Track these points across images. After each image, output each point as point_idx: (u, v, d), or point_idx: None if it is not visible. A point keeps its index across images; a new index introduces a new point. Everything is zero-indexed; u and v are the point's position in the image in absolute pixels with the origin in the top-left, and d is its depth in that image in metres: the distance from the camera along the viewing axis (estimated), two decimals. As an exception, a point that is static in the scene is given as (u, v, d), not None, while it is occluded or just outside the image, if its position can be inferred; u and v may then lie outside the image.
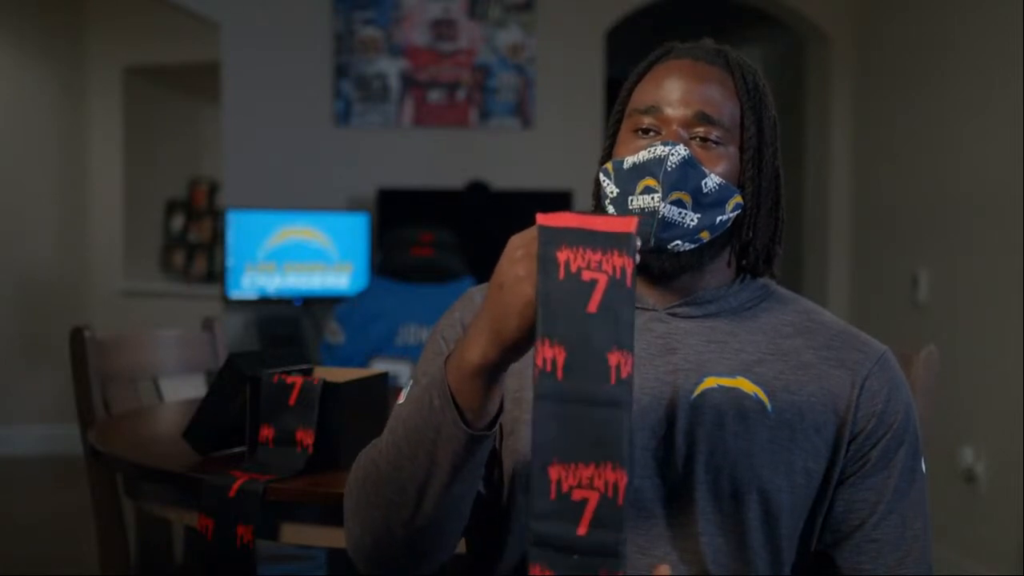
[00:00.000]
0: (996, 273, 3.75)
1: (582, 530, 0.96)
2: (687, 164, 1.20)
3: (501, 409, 1.11)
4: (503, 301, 1.03)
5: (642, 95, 1.26)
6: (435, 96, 4.68)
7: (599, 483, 0.96)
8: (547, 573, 0.96)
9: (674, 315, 1.25)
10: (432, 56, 4.67)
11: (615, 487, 0.96)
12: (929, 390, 1.70)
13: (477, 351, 1.06)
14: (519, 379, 1.25)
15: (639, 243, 1.03)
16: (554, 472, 0.96)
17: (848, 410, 1.23)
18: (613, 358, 0.99)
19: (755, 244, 1.27)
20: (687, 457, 1.19)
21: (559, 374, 0.98)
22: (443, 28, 4.68)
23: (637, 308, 1.25)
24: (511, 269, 1.03)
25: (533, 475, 0.97)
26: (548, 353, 0.98)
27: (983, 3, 3.91)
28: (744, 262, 1.28)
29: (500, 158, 4.72)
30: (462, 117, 4.70)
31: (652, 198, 1.19)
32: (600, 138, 4.70)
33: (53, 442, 5.88)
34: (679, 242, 1.21)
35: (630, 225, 1.00)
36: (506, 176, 4.68)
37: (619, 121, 1.28)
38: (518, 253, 1.03)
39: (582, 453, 0.97)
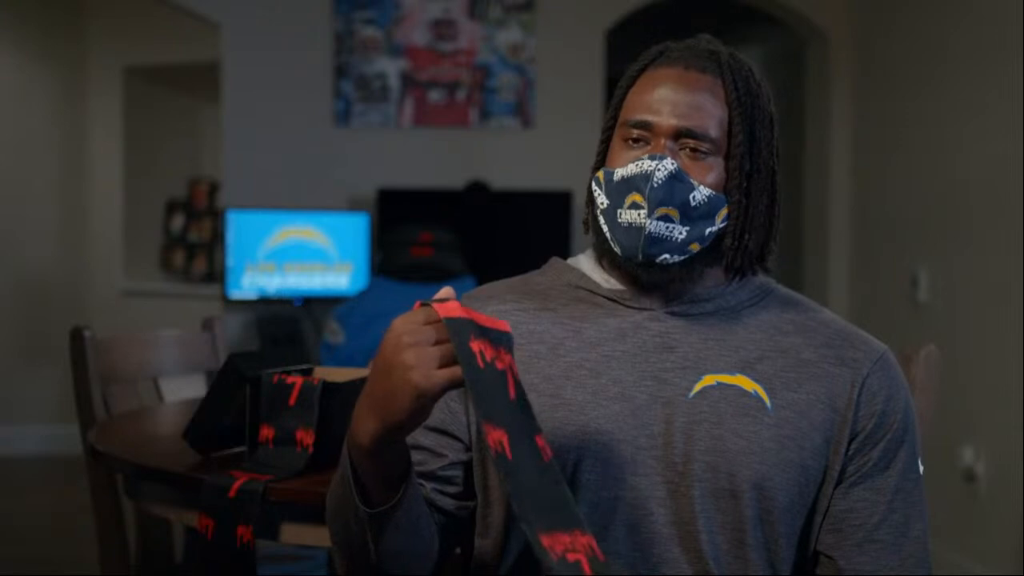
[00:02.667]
0: (996, 273, 3.75)
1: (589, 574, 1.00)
2: (674, 178, 1.20)
3: (407, 475, 1.13)
4: (390, 387, 1.04)
5: (633, 104, 1.25)
6: (435, 96, 4.68)
7: (579, 546, 1.01)
8: None
9: (672, 314, 1.25)
10: (432, 56, 4.67)
11: (591, 548, 1.02)
12: (929, 390, 1.70)
13: (367, 433, 1.07)
14: None
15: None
16: (545, 540, 1.00)
17: (848, 409, 1.23)
18: (539, 441, 1.04)
19: (748, 245, 1.26)
20: (686, 455, 1.19)
21: (508, 454, 1.01)
22: (443, 28, 4.68)
23: (635, 308, 1.26)
24: (397, 356, 1.03)
25: (531, 543, 0.99)
26: (494, 435, 1.01)
27: (983, 3, 3.91)
28: (737, 263, 1.27)
29: (500, 158, 4.72)
30: (462, 117, 4.70)
31: (639, 214, 1.20)
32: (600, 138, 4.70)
33: (53, 442, 5.88)
34: (667, 256, 1.21)
35: (506, 326, 1.05)
36: (506, 176, 4.68)
37: (611, 127, 1.28)
38: (404, 339, 1.03)
39: (554, 522, 1.01)
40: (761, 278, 1.31)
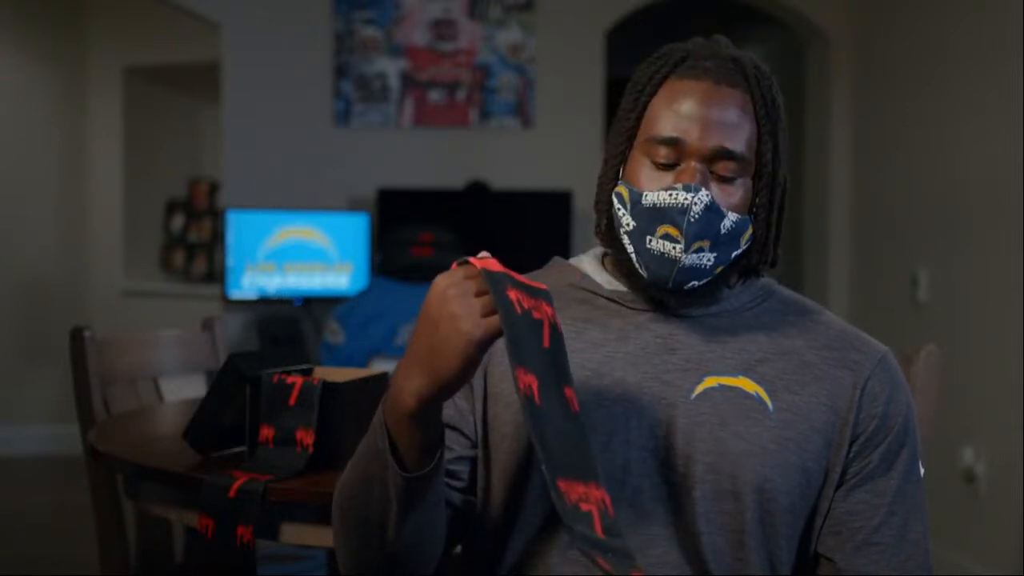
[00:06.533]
0: (996, 272, 3.75)
1: (600, 535, 1.03)
2: (709, 211, 1.18)
3: (442, 441, 1.13)
4: (439, 339, 1.04)
5: (659, 117, 1.22)
6: (435, 96, 4.68)
7: (593, 499, 1.04)
8: (599, 560, 1.00)
9: (674, 315, 1.25)
10: (432, 56, 4.67)
11: (604, 503, 1.05)
12: (929, 390, 1.70)
13: (411, 392, 1.07)
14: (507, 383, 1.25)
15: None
16: (562, 484, 1.02)
17: (849, 411, 1.23)
18: (568, 392, 1.07)
19: (762, 255, 1.26)
20: (687, 456, 1.19)
21: (536, 398, 1.03)
22: (443, 28, 4.68)
23: (636, 309, 1.26)
24: (445, 308, 1.04)
25: (549, 484, 1.01)
26: (525, 379, 1.02)
27: (983, 3, 3.91)
28: (753, 270, 1.28)
29: (500, 158, 4.72)
30: (462, 117, 4.70)
31: (674, 248, 1.18)
32: (600, 138, 4.70)
33: (53, 442, 5.88)
34: (696, 282, 1.22)
35: (542, 284, 1.08)
36: (506, 176, 4.68)
37: (631, 136, 1.25)
38: (451, 291, 1.04)
39: (572, 470, 1.04)
40: (764, 279, 1.31)
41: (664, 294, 1.23)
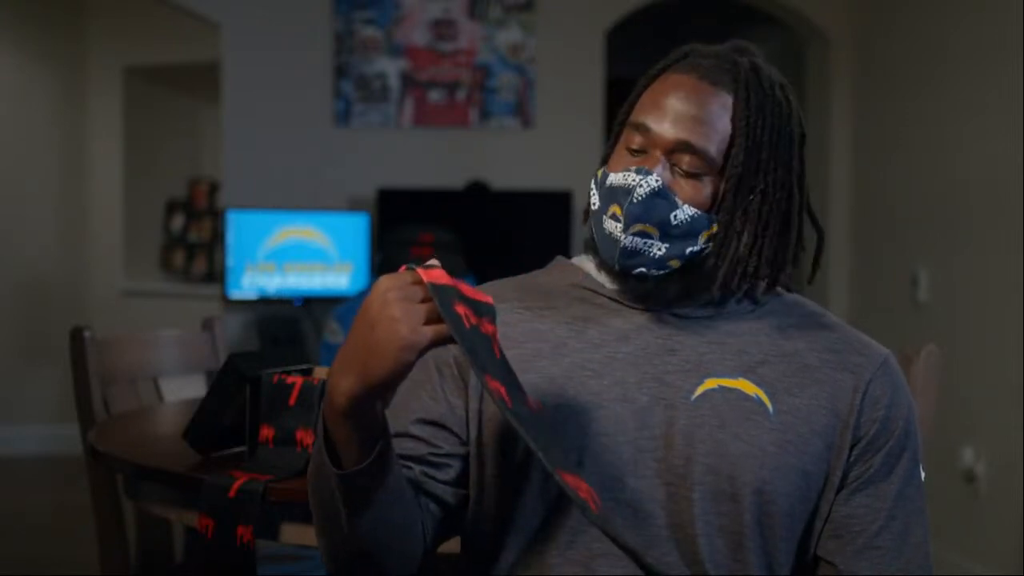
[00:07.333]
0: (996, 272, 3.75)
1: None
2: (656, 195, 1.18)
3: (383, 438, 1.10)
4: (375, 341, 1.03)
5: (642, 107, 1.24)
6: (435, 96, 4.68)
7: (584, 487, 1.08)
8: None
9: (676, 315, 1.25)
10: (432, 56, 4.67)
11: (590, 492, 1.08)
12: (929, 390, 1.70)
13: (343, 391, 1.06)
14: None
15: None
16: (562, 476, 1.05)
17: (850, 414, 1.23)
18: (528, 399, 1.09)
19: (743, 268, 1.23)
20: (686, 458, 1.19)
21: (508, 403, 1.04)
22: (443, 28, 4.68)
23: (637, 309, 1.26)
24: (385, 310, 1.03)
25: (556, 478, 1.04)
26: (493, 385, 1.04)
27: (983, 3, 3.91)
28: (726, 283, 1.22)
29: (500, 158, 4.72)
30: (462, 117, 4.70)
31: (616, 227, 1.20)
32: (600, 138, 4.70)
33: (53, 442, 5.88)
34: (644, 269, 1.21)
35: (489, 298, 1.09)
36: (506, 176, 4.68)
37: (623, 124, 1.27)
38: (392, 294, 1.04)
39: (561, 463, 1.07)
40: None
41: (616, 276, 1.24)
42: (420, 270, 1.06)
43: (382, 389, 1.06)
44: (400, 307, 1.03)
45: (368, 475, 1.10)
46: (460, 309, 1.04)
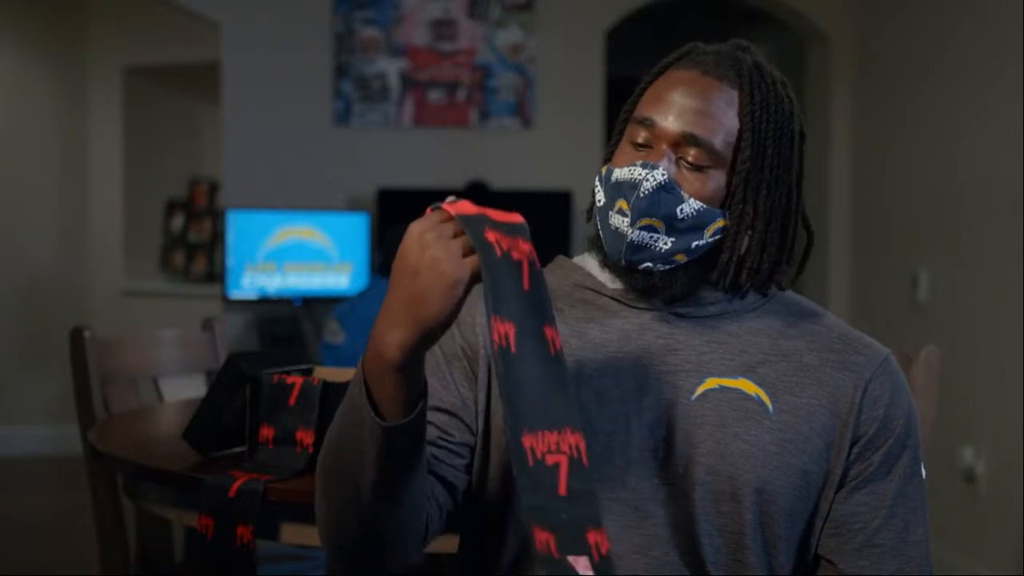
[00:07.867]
0: (996, 273, 3.75)
1: (562, 491, 1.00)
2: (662, 189, 1.19)
3: (424, 399, 1.09)
4: (421, 286, 1.03)
5: (646, 102, 1.24)
6: (435, 96, 4.68)
7: (564, 447, 1.02)
8: (545, 533, 0.98)
9: (676, 315, 1.25)
10: (432, 56, 4.67)
11: (578, 449, 1.03)
12: (929, 390, 1.70)
13: (395, 344, 1.05)
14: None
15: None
16: (527, 441, 1.00)
17: (850, 413, 1.23)
18: (548, 332, 1.05)
19: (749, 264, 1.24)
20: (687, 458, 1.19)
21: (512, 347, 1.02)
22: (443, 28, 4.68)
23: (639, 308, 1.26)
24: (425, 253, 1.03)
25: (511, 447, 1.00)
26: (501, 329, 1.02)
27: (983, 3, 3.91)
28: (732, 279, 1.24)
29: (500, 158, 4.72)
30: (462, 117, 4.70)
31: (623, 221, 1.20)
32: (600, 138, 4.70)
33: (53, 442, 5.88)
34: (650, 264, 1.21)
35: (519, 217, 1.07)
36: (506, 176, 4.68)
37: (626, 121, 1.27)
38: (428, 236, 1.03)
39: (544, 420, 1.02)
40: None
41: (622, 272, 1.24)
42: (446, 205, 1.05)
43: (438, 331, 1.04)
44: (440, 246, 1.03)
45: (409, 434, 1.09)
46: (491, 236, 1.03)
